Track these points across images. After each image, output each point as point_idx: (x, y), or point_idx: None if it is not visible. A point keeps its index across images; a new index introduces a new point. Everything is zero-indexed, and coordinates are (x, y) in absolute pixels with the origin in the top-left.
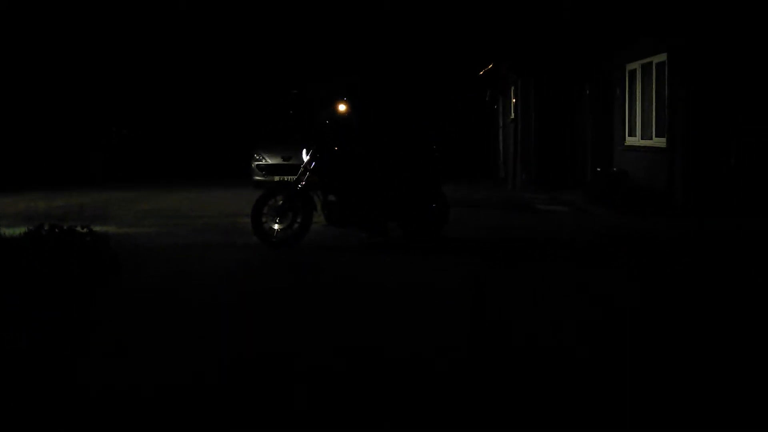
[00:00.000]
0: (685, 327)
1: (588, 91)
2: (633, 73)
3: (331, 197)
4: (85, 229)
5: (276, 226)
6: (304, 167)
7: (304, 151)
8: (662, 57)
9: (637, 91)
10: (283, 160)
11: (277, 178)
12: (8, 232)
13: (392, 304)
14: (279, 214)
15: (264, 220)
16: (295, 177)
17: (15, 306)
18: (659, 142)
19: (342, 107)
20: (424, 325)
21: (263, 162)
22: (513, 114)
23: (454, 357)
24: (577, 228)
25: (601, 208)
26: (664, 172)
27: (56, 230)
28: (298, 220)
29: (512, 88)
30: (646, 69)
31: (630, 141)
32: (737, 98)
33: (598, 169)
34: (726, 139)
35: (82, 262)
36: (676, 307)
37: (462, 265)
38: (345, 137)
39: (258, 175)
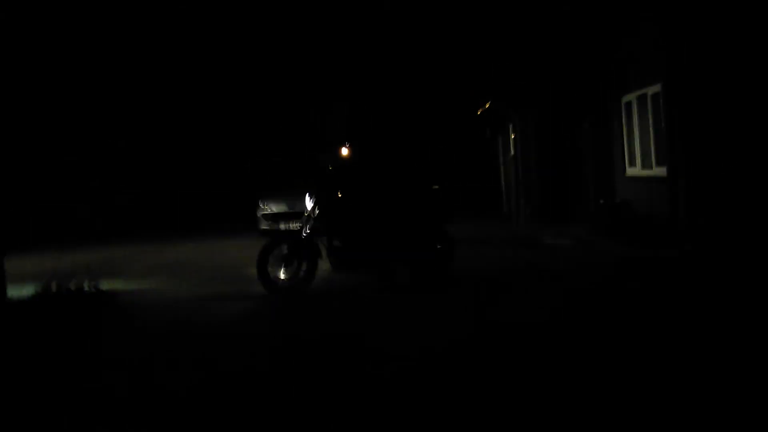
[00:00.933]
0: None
1: (587, 125)
2: (629, 104)
3: (336, 242)
4: (93, 289)
5: (282, 275)
6: (308, 214)
7: (308, 197)
8: (656, 88)
9: (635, 122)
10: (288, 208)
11: (282, 226)
12: (18, 293)
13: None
14: (284, 262)
15: (270, 269)
16: (299, 224)
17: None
18: (660, 171)
19: (344, 152)
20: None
21: (268, 211)
22: (513, 150)
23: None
24: (584, 261)
25: (606, 239)
26: (667, 201)
27: (64, 292)
28: (304, 267)
29: (510, 125)
30: (641, 100)
31: (631, 171)
32: (735, 124)
33: (601, 201)
34: (726, 166)
35: (90, 321)
36: (688, 333)
37: (470, 306)
38: (347, 182)
39: (264, 224)
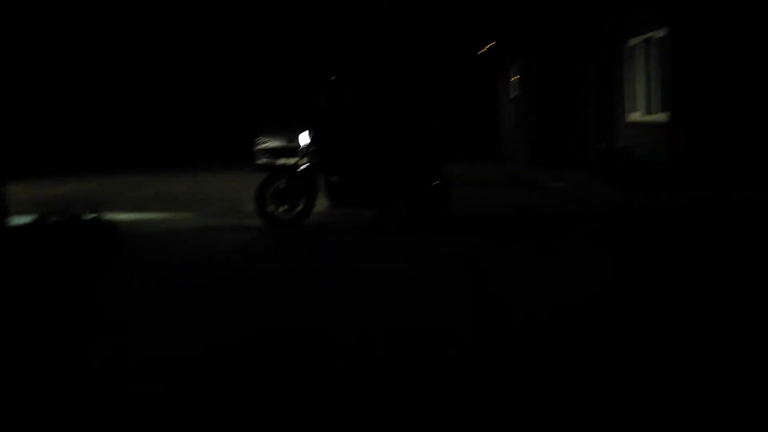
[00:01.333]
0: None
1: (590, 68)
2: (634, 48)
3: (334, 178)
4: (90, 216)
5: (280, 209)
6: (306, 149)
7: (307, 132)
8: (662, 32)
9: (639, 66)
10: (286, 143)
11: (281, 161)
12: (17, 221)
13: (394, 285)
14: (282, 196)
15: (268, 202)
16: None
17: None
18: (661, 117)
19: (342, 87)
20: (423, 306)
21: (267, 145)
22: (514, 92)
23: (453, 334)
24: (580, 203)
25: (604, 184)
26: (667, 146)
27: (61, 220)
28: (302, 202)
29: (513, 66)
30: (647, 44)
31: (633, 117)
32: (739, 71)
33: (602, 146)
34: (728, 113)
35: (87, 246)
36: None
37: (465, 242)
38: (345, 118)
39: (261, 159)
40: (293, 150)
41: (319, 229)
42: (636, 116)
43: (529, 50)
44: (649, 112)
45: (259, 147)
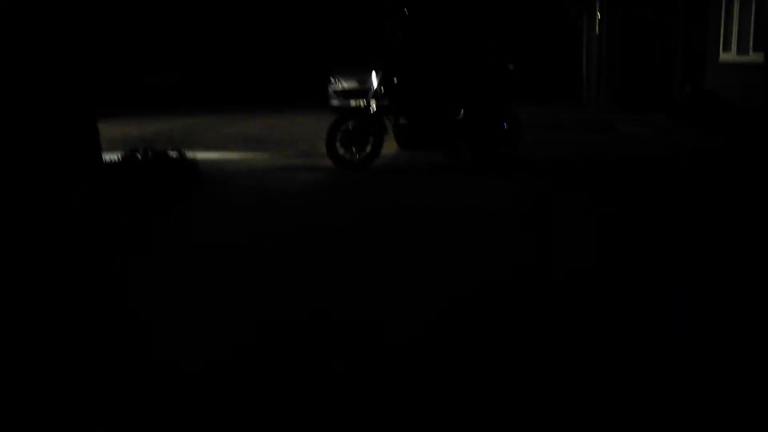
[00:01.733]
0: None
1: (679, 3)
2: None
3: (402, 120)
4: (175, 153)
5: (349, 151)
6: (375, 91)
7: (374, 73)
8: None
9: (736, 1)
10: (359, 84)
11: (353, 103)
12: (109, 157)
13: (452, 224)
14: (351, 139)
15: (338, 144)
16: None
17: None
18: (757, 57)
19: (411, 22)
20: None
21: (339, 87)
22: (597, 30)
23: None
24: (655, 150)
25: (688, 129)
26: (761, 90)
27: (150, 153)
28: (370, 143)
29: (597, 2)
30: None
31: (725, 57)
32: None
33: (688, 88)
34: None
35: (172, 179)
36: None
37: (530, 187)
38: (414, 57)
39: (335, 100)
40: (366, 91)
41: (386, 170)
42: (729, 56)
43: None
44: (742, 52)
45: (334, 89)
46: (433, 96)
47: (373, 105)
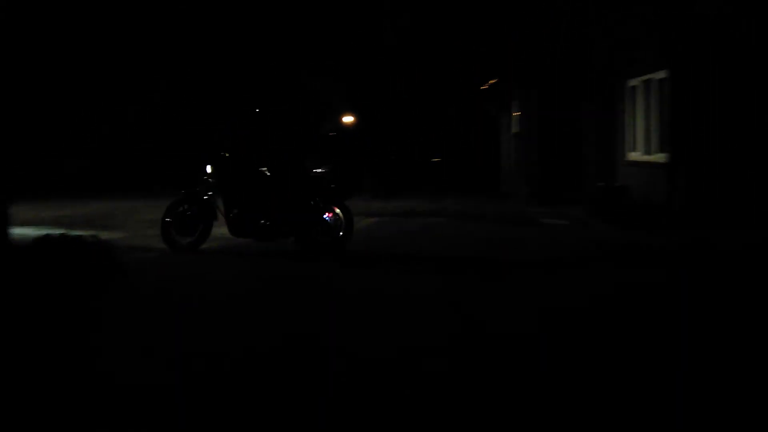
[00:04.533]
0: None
1: (590, 106)
2: (634, 89)
3: (234, 210)
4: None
5: (181, 234)
6: (206, 179)
7: (209, 165)
8: (663, 74)
9: (639, 106)
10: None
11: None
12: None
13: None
14: (183, 222)
15: (171, 228)
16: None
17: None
18: (661, 157)
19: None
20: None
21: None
22: (516, 127)
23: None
24: (570, 240)
25: (602, 222)
26: (665, 186)
27: (65, 238)
28: (200, 228)
29: (515, 102)
30: (647, 85)
31: (632, 156)
32: (738, 114)
33: (601, 184)
34: (725, 154)
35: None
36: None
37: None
38: (243, 159)
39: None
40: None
41: (216, 254)
42: (635, 156)
43: (529, 87)
44: (648, 152)
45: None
46: (256, 193)
47: (206, 192)
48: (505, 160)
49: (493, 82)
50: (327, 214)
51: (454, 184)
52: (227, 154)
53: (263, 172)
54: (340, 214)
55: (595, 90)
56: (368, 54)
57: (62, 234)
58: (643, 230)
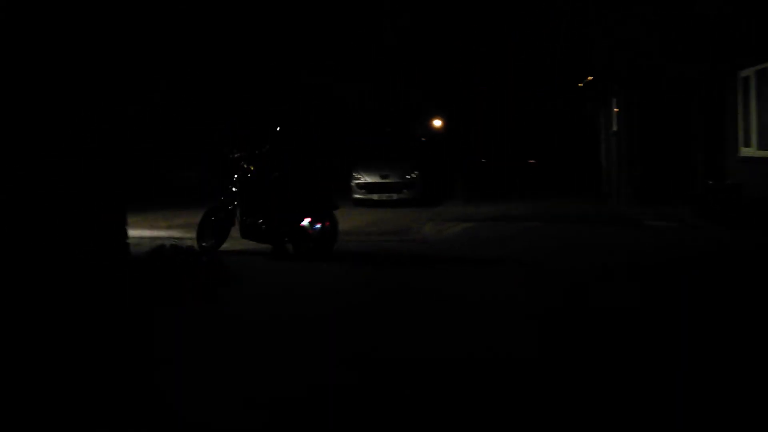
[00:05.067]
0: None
1: (697, 100)
2: (746, 80)
3: (245, 217)
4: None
5: (208, 237)
6: (230, 192)
7: (234, 181)
8: None
9: (752, 98)
10: (381, 178)
11: (375, 196)
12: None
13: None
14: (213, 227)
15: (203, 232)
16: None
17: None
18: None
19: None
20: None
21: (362, 180)
22: (615, 125)
23: None
24: (684, 246)
25: (713, 223)
26: None
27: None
28: (222, 233)
29: (614, 99)
30: (761, 75)
31: (745, 152)
32: None
33: (710, 182)
34: None
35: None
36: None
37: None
38: (253, 177)
39: (357, 193)
40: (387, 185)
41: (228, 253)
42: (749, 151)
43: (630, 87)
44: (763, 146)
45: (355, 182)
46: (257, 203)
47: (232, 202)
48: (605, 160)
49: (591, 80)
50: (317, 222)
51: (551, 185)
52: (250, 166)
53: (273, 180)
54: (328, 223)
55: (702, 83)
56: (460, 59)
57: (173, 245)
58: (758, 231)
